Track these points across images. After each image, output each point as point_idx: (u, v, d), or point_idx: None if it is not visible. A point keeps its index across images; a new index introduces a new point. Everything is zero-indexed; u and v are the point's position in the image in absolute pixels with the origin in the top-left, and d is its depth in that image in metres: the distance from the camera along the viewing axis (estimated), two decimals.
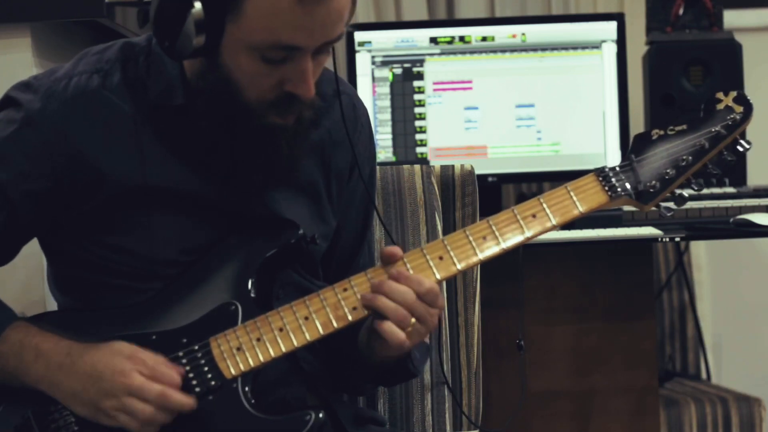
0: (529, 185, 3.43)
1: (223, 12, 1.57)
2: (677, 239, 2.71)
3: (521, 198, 3.36)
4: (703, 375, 3.53)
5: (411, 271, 1.67)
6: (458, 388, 2.23)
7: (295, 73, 1.62)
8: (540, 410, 2.92)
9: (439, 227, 2.20)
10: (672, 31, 3.20)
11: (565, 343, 2.95)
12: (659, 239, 2.69)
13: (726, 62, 3.12)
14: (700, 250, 3.59)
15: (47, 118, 1.69)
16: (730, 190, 2.96)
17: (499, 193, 3.17)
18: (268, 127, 1.66)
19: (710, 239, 3.35)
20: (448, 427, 2.16)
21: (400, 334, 1.64)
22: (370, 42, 3.10)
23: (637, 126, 3.31)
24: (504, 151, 3.12)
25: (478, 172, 2.27)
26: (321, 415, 1.64)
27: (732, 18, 3.38)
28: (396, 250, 1.67)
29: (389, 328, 1.64)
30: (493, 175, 3.10)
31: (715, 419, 3.16)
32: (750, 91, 2.95)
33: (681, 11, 3.20)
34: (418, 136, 3.11)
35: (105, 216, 1.71)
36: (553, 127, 3.12)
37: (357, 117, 1.87)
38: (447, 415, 2.16)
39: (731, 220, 2.74)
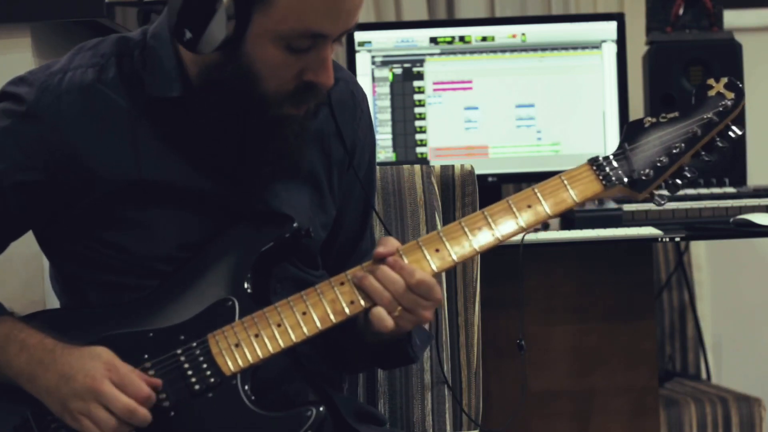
0: (529, 185, 3.42)
1: (251, 2, 1.58)
2: (677, 239, 2.71)
3: None
4: (703, 375, 3.52)
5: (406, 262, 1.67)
6: (458, 388, 2.23)
7: (316, 61, 1.62)
8: (540, 410, 2.92)
9: (439, 227, 2.20)
10: (672, 31, 3.20)
11: (565, 343, 2.95)
12: (659, 239, 2.69)
13: (726, 62, 3.12)
14: (700, 250, 3.59)
15: (42, 111, 1.69)
16: (730, 190, 2.96)
17: (499, 193, 3.16)
18: (279, 118, 1.66)
19: (710, 239, 3.35)
20: (448, 427, 2.16)
21: (388, 320, 1.64)
22: (370, 42, 3.10)
23: None
24: (504, 151, 3.12)
25: (478, 172, 2.27)
26: (321, 409, 1.64)
27: (732, 18, 3.38)
28: (388, 251, 1.67)
29: (377, 312, 1.64)
30: (493, 175, 3.10)
31: (715, 419, 3.16)
32: (750, 91, 2.94)
33: (681, 11, 3.20)
34: (418, 136, 3.11)
35: (101, 213, 1.71)
36: (553, 127, 3.12)
37: (356, 104, 1.87)
38: (447, 415, 2.16)
39: (731, 220, 2.74)
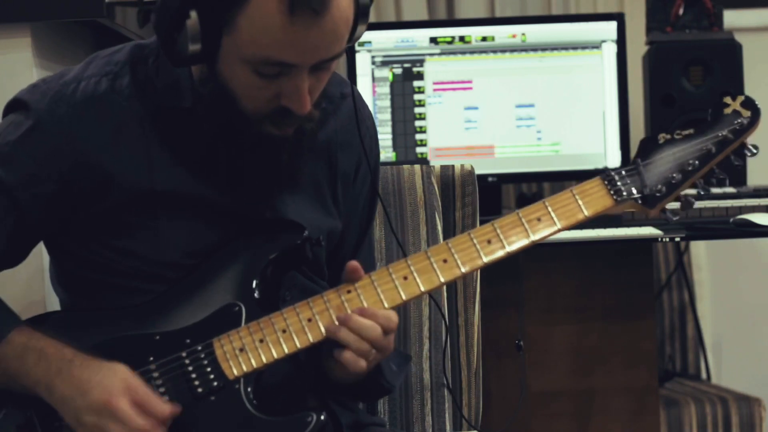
0: (529, 185, 3.43)
1: (219, 23, 1.58)
2: (677, 239, 2.72)
3: (521, 198, 3.36)
4: (703, 375, 3.53)
5: (414, 274, 1.67)
6: (458, 388, 2.23)
7: (290, 88, 1.61)
8: (540, 410, 2.92)
9: (439, 227, 2.20)
10: (672, 31, 3.20)
11: (565, 343, 2.95)
12: (659, 239, 2.69)
13: (726, 62, 3.12)
14: (700, 250, 3.59)
15: (55, 122, 1.69)
16: (730, 190, 2.96)
17: (499, 193, 3.16)
18: (267, 136, 1.67)
19: (710, 239, 3.35)
20: (447, 428, 2.16)
21: (361, 363, 1.65)
22: (370, 42, 3.10)
23: (637, 126, 3.31)
24: (504, 151, 3.12)
25: (478, 172, 2.27)
26: (322, 417, 1.64)
27: (732, 18, 3.38)
28: (357, 266, 1.68)
29: (350, 357, 1.65)
30: (493, 175, 3.10)
31: (715, 419, 3.16)
32: (750, 91, 2.94)
33: (681, 11, 3.20)
34: (418, 136, 3.11)
35: (112, 219, 1.71)
36: (553, 127, 3.12)
37: (362, 119, 1.87)
38: (447, 416, 2.16)
39: (731, 220, 2.74)
